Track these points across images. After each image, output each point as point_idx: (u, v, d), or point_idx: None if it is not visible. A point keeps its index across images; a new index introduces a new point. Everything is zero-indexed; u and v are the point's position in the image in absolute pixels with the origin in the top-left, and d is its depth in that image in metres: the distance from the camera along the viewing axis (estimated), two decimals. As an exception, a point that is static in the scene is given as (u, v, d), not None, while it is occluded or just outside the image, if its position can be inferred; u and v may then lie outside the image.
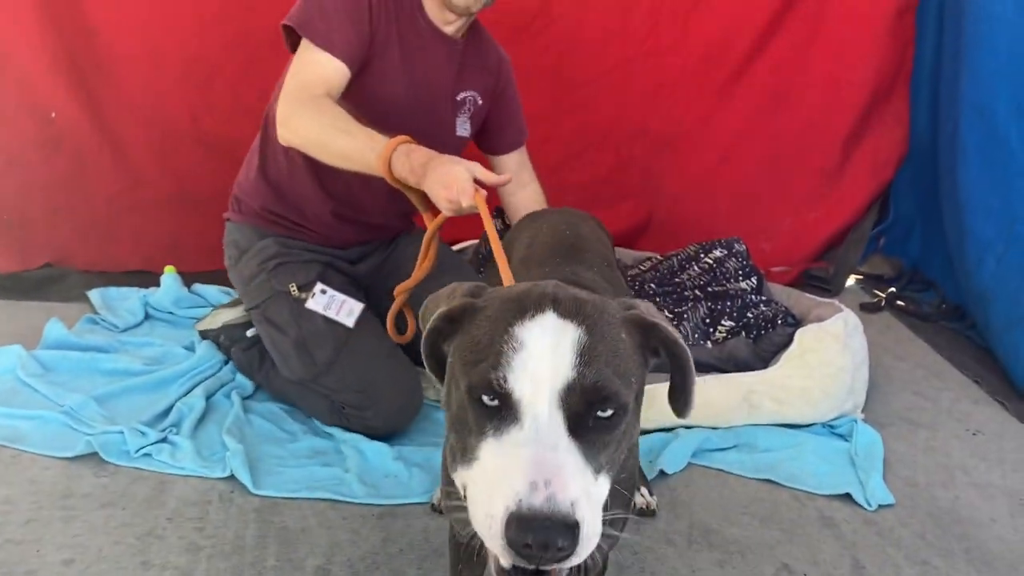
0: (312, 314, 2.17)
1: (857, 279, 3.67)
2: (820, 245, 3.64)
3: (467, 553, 1.26)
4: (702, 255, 3.05)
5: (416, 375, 2.22)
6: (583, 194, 3.27)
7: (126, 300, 2.92)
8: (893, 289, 3.42)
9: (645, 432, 2.22)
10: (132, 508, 1.85)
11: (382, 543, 1.78)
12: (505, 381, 0.77)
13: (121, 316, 2.80)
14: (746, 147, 3.60)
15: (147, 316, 2.87)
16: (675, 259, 3.10)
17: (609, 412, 0.80)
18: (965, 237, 2.99)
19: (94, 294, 2.95)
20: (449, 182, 1.68)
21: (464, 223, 1.99)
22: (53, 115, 3.19)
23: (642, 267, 3.14)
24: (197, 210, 3.23)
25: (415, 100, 2.17)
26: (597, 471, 0.79)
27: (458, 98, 2.27)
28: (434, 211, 1.79)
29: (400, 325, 2.07)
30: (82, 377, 2.41)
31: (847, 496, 2.02)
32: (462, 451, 0.84)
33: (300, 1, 2.05)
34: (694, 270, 3.00)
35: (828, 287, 3.46)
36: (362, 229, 2.36)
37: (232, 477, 1.96)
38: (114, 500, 1.88)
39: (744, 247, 3.07)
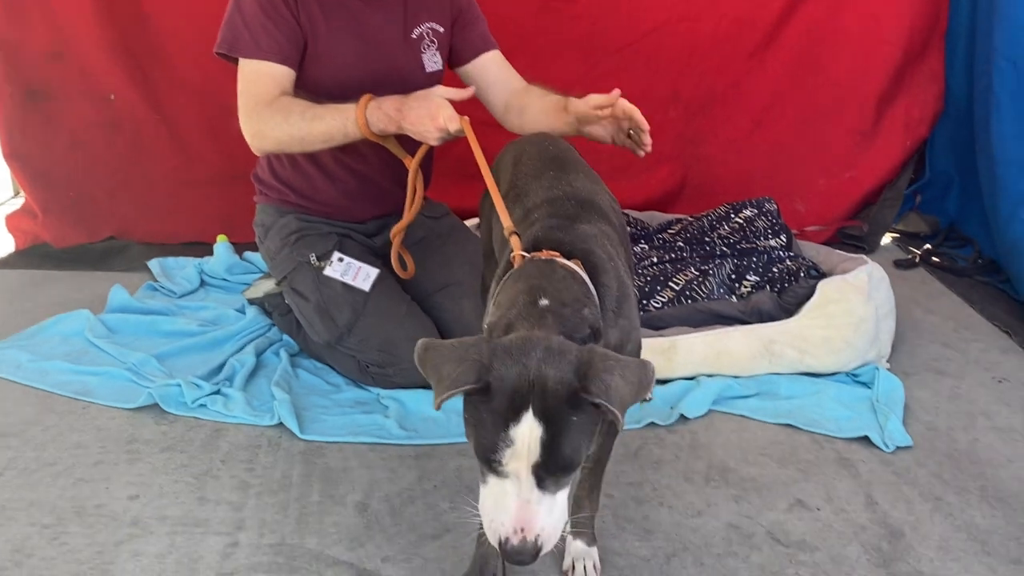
0: (331, 280, 2.29)
1: (894, 237, 3.66)
2: (855, 204, 3.63)
3: None
4: (732, 215, 3.10)
5: (435, 334, 2.31)
6: (616, 161, 3.30)
7: (183, 268, 3.10)
8: (928, 245, 3.41)
9: (667, 381, 2.30)
10: (189, 452, 2.02)
11: (418, 480, 1.91)
12: (501, 462, 1.13)
13: (178, 283, 2.98)
14: (779, 109, 3.60)
15: (202, 283, 3.04)
16: (706, 219, 3.16)
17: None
18: (998, 191, 2.99)
19: (153, 263, 3.13)
20: (434, 113, 1.83)
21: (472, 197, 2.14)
22: (112, 98, 3.37)
23: (671, 230, 3.20)
24: (246, 184, 3.35)
25: (369, 60, 2.22)
26: (558, 490, 1.16)
27: (414, 35, 2.29)
28: (413, 152, 1.98)
29: (401, 264, 2.25)
30: (143, 338, 2.59)
31: (867, 440, 2.07)
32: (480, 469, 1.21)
33: (224, 22, 2.15)
34: (724, 229, 3.06)
35: (863, 245, 3.47)
36: (374, 202, 2.43)
37: (280, 425, 2.11)
38: (173, 445, 2.05)
39: (775, 206, 3.11)
